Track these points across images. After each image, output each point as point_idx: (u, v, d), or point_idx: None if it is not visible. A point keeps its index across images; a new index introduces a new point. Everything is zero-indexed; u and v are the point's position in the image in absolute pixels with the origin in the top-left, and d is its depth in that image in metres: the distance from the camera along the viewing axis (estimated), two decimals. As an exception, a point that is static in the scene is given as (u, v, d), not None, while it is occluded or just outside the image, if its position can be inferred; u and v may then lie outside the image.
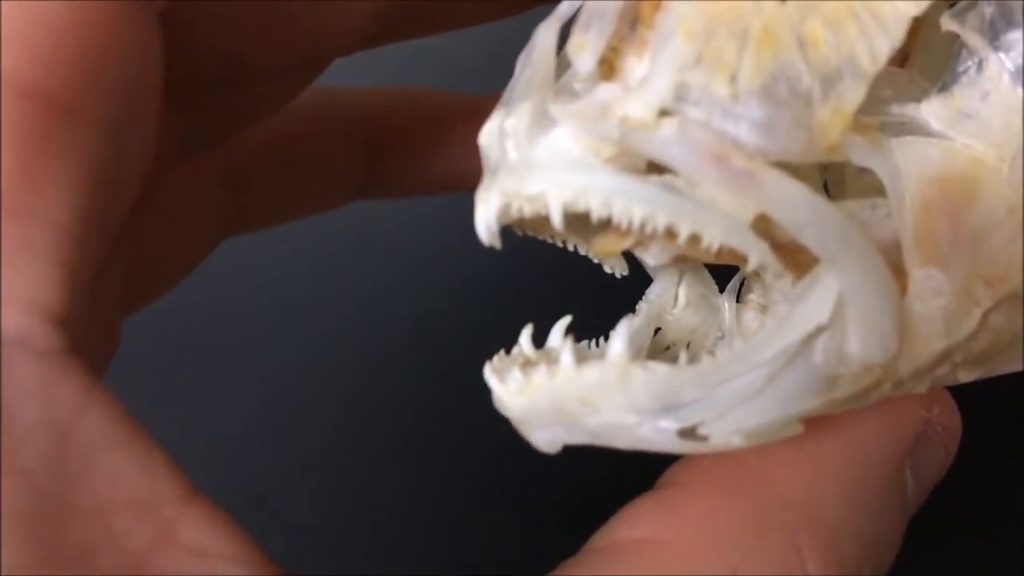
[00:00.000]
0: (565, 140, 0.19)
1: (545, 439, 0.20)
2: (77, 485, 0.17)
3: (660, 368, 0.19)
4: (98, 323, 0.23)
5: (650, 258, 0.21)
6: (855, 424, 0.21)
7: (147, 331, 0.28)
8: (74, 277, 0.18)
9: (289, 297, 0.40)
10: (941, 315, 0.20)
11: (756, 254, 0.19)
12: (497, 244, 0.21)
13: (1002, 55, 0.20)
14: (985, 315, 0.20)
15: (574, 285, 0.29)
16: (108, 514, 0.17)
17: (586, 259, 0.24)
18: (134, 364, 0.33)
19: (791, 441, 0.21)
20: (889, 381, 0.21)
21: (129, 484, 0.18)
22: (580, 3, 0.21)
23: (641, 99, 0.19)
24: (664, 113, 0.19)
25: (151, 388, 0.38)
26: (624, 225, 0.19)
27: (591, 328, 0.22)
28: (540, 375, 0.20)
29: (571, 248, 0.23)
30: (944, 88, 0.21)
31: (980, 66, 0.21)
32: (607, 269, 0.23)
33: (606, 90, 0.20)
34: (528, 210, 0.20)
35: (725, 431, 0.20)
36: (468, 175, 0.31)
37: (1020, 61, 0.20)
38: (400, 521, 0.39)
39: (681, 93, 0.19)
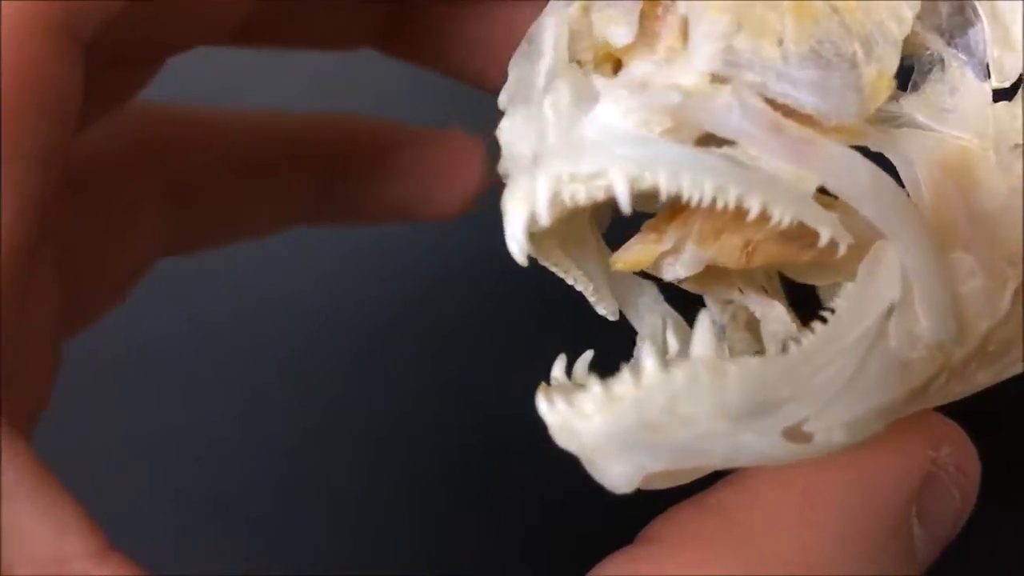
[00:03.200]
0: (614, 115, 0.17)
1: (624, 473, 0.17)
2: None
3: (752, 362, 0.17)
4: (33, 345, 0.22)
5: (681, 268, 0.19)
6: (851, 469, 0.20)
7: (115, 336, 0.28)
8: None
9: (259, 301, 0.39)
10: (982, 294, 0.19)
11: (828, 228, 0.18)
12: (524, 257, 0.18)
13: (961, 53, 0.21)
14: (1015, 294, 0.20)
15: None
16: (16, 569, 0.17)
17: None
18: (103, 369, 0.35)
19: (779, 489, 0.19)
20: (945, 371, 0.19)
21: (38, 539, 0.17)
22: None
23: (689, 67, 0.17)
24: (717, 80, 0.18)
25: (119, 393, 0.38)
26: (695, 200, 0.17)
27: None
28: (624, 385, 0.17)
29: (578, 287, 0.20)
30: (915, 87, 0.21)
31: (942, 65, 0.21)
32: (600, 311, 0.21)
33: (641, 66, 0.18)
34: (583, 195, 0.17)
35: (827, 426, 0.17)
36: (416, 206, 0.32)
37: (979, 57, 0.21)
38: (367, 525, 0.39)
39: (730, 58, 0.18)
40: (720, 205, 0.17)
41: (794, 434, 0.17)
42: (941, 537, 0.21)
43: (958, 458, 0.20)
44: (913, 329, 0.18)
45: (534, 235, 0.19)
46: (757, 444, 0.17)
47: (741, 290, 0.22)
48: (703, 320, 0.17)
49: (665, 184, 0.17)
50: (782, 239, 0.19)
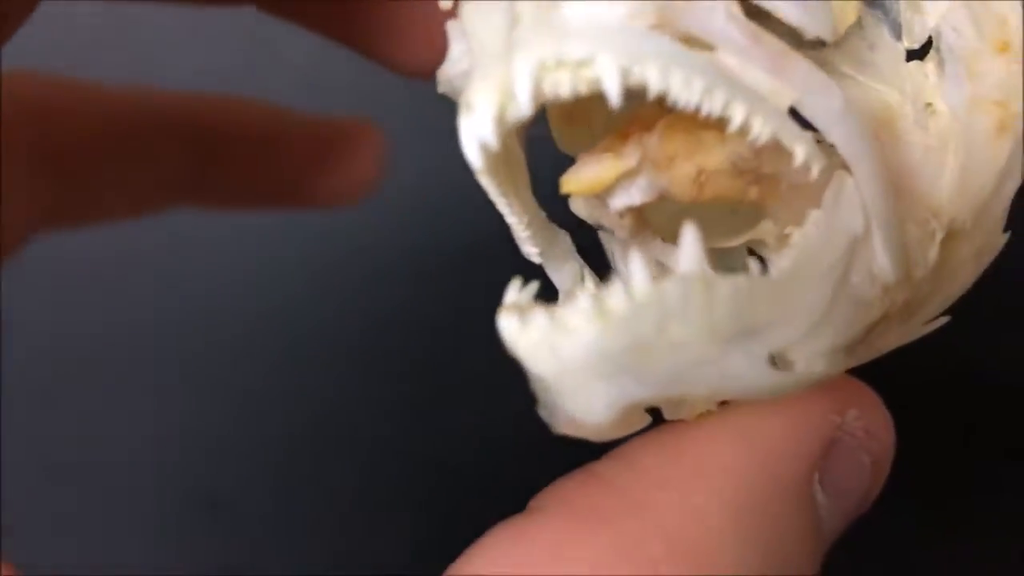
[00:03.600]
0: (600, 3, 0.16)
1: (608, 398, 0.15)
2: None
3: (740, 279, 0.16)
4: None
5: (637, 192, 0.18)
6: (745, 434, 0.18)
7: (107, 336, 0.29)
8: None
9: (245, 300, 0.39)
10: (917, 242, 0.19)
11: (803, 146, 0.17)
12: (483, 159, 0.16)
13: (878, 11, 0.21)
14: (940, 246, 0.20)
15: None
16: None
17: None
18: (88, 368, 0.35)
19: (667, 458, 0.18)
20: (884, 319, 0.19)
21: None
22: None
23: None
24: None
25: (106, 393, 0.39)
26: (682, 101, 0.16)
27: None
28: (616, 297, 0.15)
29: (511, 219, 0.18)
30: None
31: (860, 21, 0.21)
32: (526, 250, 0.19)
33: None
34: (567, 86, 0.15)
35: (808, 355, 0.16)
36: (306, 193, 0.31)
37: (893, 17, 0.21)
38: (355, 524, 0.38)
39: None
40: (705, 110, 0.16)
41: (779, 361, 0.16)
42: (851, 506, 0.20)
43: (868, 422, 0.19)
44: (871, 266, 0.18)
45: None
46: (744, 371, 0.16)
47: (663, 239, 0.20)
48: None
49: (656, 80, 0.15)
50: (733, 172, 0.18)
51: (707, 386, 0.16)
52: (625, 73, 0.15)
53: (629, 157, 0.17)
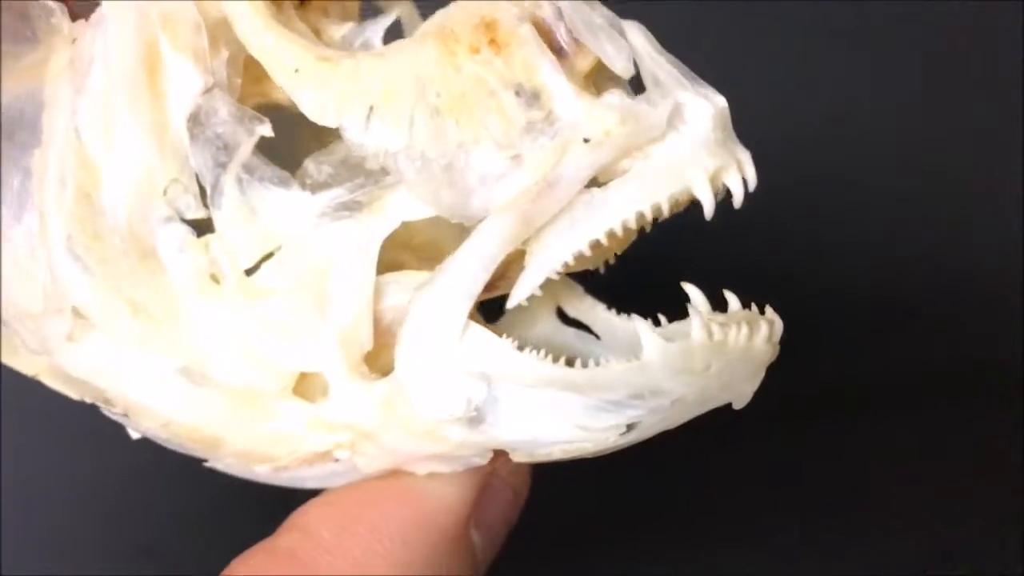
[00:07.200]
0: None
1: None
2: None
3: None
4: None
5: None
6: (412, 497, 0.21)
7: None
8: None
9: None
10: None
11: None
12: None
13: None
14: None
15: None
16: None
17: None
18: (23, 413, 0.40)
19: (342, 523, 0.21)
20: None
21: None
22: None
23: None
24: None
25: (39, 436, 0.43)
26: None
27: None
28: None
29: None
30: None
31: None
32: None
33: None
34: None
35: None
36: None
37: None
38: None
39: None
40: None
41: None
42: (499, 534, 0.23)
43: (511, 463, 0.22)
44: None
45: None
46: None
47: None
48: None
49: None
50: None
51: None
52: None
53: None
